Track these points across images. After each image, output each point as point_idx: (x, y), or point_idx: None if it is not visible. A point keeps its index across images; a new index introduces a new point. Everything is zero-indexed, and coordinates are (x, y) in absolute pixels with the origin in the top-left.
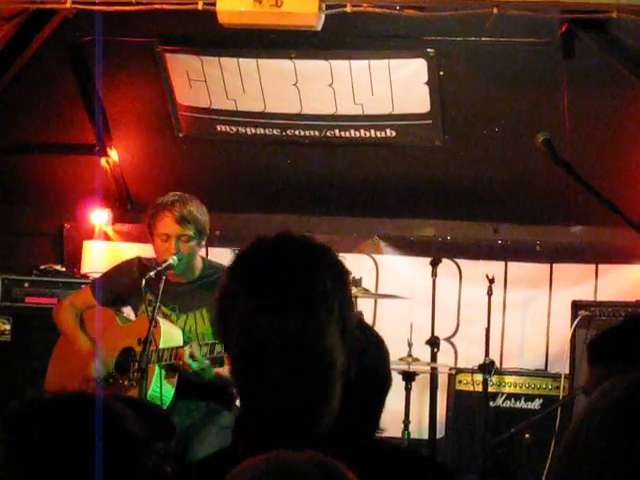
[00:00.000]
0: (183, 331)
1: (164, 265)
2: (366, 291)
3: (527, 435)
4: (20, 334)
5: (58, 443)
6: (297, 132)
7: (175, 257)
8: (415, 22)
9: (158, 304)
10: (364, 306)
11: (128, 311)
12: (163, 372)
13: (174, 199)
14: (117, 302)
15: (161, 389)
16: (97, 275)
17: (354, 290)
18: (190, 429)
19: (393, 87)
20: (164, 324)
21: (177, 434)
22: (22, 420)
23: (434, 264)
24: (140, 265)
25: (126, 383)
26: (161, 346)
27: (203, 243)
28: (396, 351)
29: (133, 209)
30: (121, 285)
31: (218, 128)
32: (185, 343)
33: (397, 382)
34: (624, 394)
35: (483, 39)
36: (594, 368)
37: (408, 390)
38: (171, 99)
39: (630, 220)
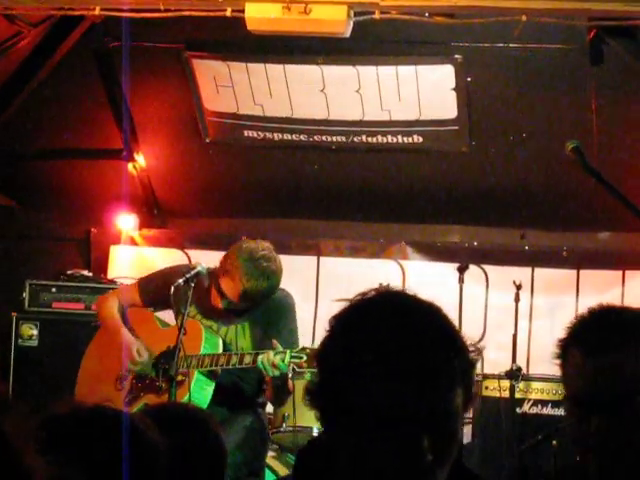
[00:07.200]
0: (223, 342)
1: (192, 272)
2: None
3: (554, 442)
4: (47, 339)
5: (78, 459)
6: (324, 138)
7: (204, 264)
8: (443, 28)
9: (188, 310)
10: None
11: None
12: (203, 378)
13: (257, 272)
14: (159, 305)
15: (198, 394)
16: (124, 280)
17: None
18: None
19: (420, 93)
20: (205, 331)
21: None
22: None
23: (461, 270)
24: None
25: (164, 386)
26: (202, 352)
27: None
28: None
29: (160, 214)
30: (162, 290)
31: (245, 133)
32: (225, 352)
33: None
34: None
35: (511, 45)
36: None
37: None
38: (198, 104)
39: None
